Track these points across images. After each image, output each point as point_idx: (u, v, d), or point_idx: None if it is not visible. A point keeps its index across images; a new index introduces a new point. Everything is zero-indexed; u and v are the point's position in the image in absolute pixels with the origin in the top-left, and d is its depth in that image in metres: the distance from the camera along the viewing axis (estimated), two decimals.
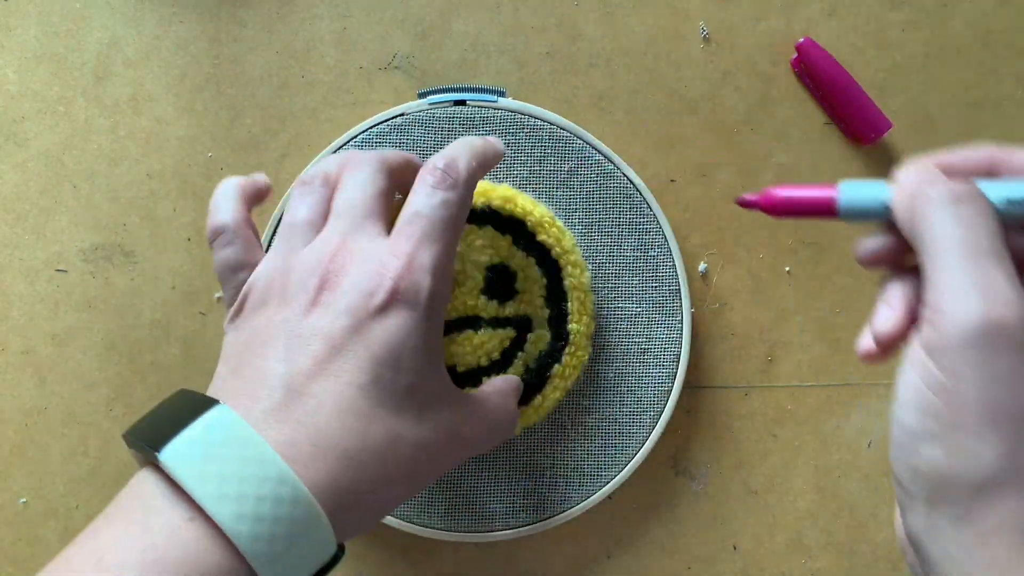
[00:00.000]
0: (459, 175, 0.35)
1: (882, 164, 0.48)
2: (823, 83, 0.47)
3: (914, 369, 0.28)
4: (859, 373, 0.48)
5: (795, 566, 0.47)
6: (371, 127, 0.45)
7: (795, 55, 0.47)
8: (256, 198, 0.38)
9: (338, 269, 0.32)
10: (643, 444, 0.45)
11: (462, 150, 0.36)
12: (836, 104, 0.47)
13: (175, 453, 0.28)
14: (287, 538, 0.28)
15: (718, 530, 0.47)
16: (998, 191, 0.29)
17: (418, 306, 0.32)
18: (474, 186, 0.36)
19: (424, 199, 0.34)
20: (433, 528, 0.44)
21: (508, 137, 0.45)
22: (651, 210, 0.45)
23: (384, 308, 0.31)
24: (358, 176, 0.35)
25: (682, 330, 0.45)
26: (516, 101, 0.45)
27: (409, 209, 0.34)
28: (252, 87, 0.47)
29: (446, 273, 0.34)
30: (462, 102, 0.45)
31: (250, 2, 0.47)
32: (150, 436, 0.29)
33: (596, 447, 0.45)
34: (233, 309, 0.34)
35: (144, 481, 0.29)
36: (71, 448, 0.47)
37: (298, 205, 0.35)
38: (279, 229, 0.36)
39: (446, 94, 0.45)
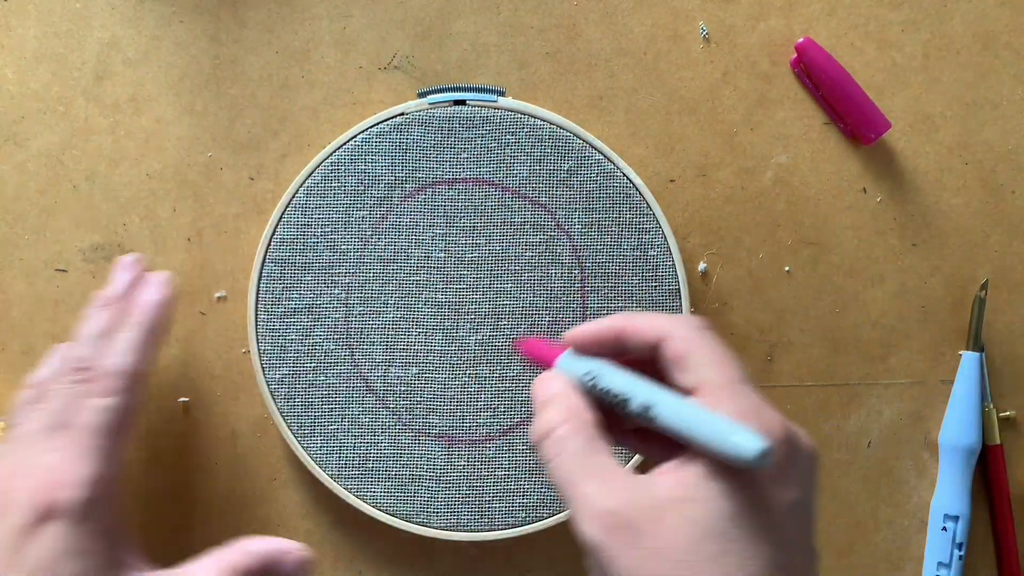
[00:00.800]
0: (122, 380, 0.38)
1: (882, 164, 0.48)
2: (823, 83, 0.47)
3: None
4: (859, 373, 0.48)
5: None
6: (371, 126, 0.45)
7: (795, 55, 0.47)
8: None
9: (9, 487, 0.36)
10: None
11: (124, 346, 0.39)
12: (836, 104, 0.47)
13: None
14: None
15: None
16: (585, 367, 0.34)
17: (70, 515, 0.35)
18: (143, 376, 0.39)
19: (86, 410, 0.37)
20: (432, 527, 0.44)
21: (508, 136, 0.45)
22: (650, 209, 0.45)
23: (36, 524, 0.34)
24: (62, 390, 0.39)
25: None
26: (516, 100, 0.45)
27: (77, 419, 0.37)
28: (252, 87, 0.47)
29: (109, 470, 0.37)
30: (462, 102, 0.45)
31: (250, 2, 0.47)
32: None
33: None
34: None
35: None
36: None
37: (26, 421, 0.39)
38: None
39: (446, 93, 0.45)
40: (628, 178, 0.45)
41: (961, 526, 0.46)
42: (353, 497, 0.45)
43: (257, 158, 0.47)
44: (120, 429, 0.38)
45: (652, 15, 0.47)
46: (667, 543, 0.30)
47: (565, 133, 0.45)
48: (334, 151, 0.45)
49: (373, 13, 0.47)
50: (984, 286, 0.47)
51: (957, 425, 0.47)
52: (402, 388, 0.45)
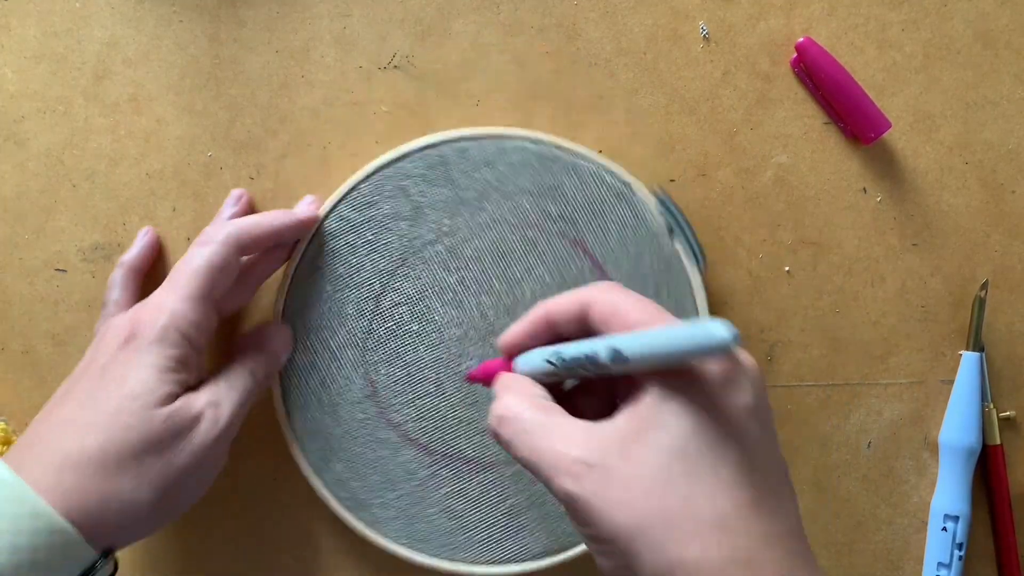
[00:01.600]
0: (218, 237, 0.41)
1: (882, 164, 0.48)
2: (823, 83, 0.47)
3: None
4: (859, 373, 0.48)
5: None
6: (336, 205, 0.45)
7: (795, 55, 0.47)
8: (147, 263, 0.47)
9: (126, 318, 0.40)
10: None
11: (235, 221, 0.42)
12: (836, 104, 0.47)
13: None
14: (46, 559, 0.35)
15: None
16: (539, 356, 0.35)
17: (149, 337, 0.39)
18: (237, 247, 0.42)
19: (184, 257, 0.41)
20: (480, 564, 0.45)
21: (544, 178, 0.45)
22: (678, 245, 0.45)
23: (126, 341, 0.39)
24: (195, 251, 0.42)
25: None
26: (552, 137, 0.45)
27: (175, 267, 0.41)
28: (252, 87, 0.47)
29: (190, 309, 0.40)
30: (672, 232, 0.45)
31: (250, 2, 0.47)
32: None
33: None
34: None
35: None
36: None
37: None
38: None
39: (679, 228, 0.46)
40: (656, 223, 0.45)
41: (961, 526, 0.46)
42: (366, 528, 0.45)
43: (257, 158, 0.47)
44: (206, 277, 0.41)
45: (652, 15, 0.47)
46: (637, 473, 0.30)
47: (591, 165, 0.45)
48: (337, 203, 0.45)
49: (373, 13, 0.47)
50: (984, 286, 0.47)
51: (957, 425, 0.47)
52: (426, 421, 0.45)
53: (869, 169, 0.48)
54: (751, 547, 0.30)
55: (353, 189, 0.45)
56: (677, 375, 0.32)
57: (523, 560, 0.45)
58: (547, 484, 0.32)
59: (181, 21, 0.47)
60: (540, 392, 0.35)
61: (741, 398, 0.32)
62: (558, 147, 0.45)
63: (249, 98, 0.47)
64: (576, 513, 0.31)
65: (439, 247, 0.45)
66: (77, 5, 0.47)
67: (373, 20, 0.47)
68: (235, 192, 0.47)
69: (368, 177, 0.45)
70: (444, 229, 0.45)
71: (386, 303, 0.45)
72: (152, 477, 0.38)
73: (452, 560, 0.45)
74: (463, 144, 0.45)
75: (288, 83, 0.47)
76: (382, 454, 0.45)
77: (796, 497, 0.33)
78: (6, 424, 0.47)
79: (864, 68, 0.48)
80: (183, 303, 0.40)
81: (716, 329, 0.28)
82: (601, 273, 0.45)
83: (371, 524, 0.45)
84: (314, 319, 0.45)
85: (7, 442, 0.46)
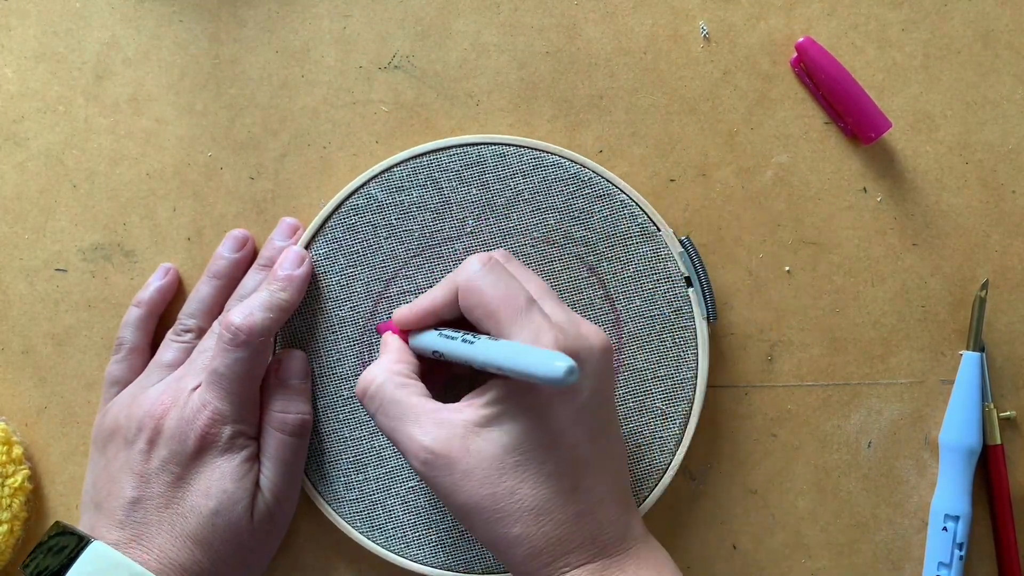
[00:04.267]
0: (250, 336, 0.42)
1: (882, 164, 0.48)
2: (823, 83, 0.47)
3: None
4: (859, 373, 0.48)
5: (795, 566, 0.47)
6: (336, 207, 0.45)
7: (795, 55, 0.47)
8: (164, 304, 0.47)
9: (164, 416, 0.42)
10: (669, 464, 0.45)
11: (256, 304, 0.43)
12: (836, 104, 0.47)
13: None
14: None
15: (718, 530, 0.47)
16: (425, 340, 0.40)
17: (218, 448, 0.41)
18: (270, 335, 0.43)
19: (220, 359, 0.42)
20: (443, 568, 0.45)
21: (520, 180, 0.45)
22: (660, 233, 0.45)
23: (196, 455, 0.41)
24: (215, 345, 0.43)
25: (696, 334, 0.45)
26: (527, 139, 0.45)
27: (211, 365, 0.42)
28: (252, 87, 0.47)
29: (246, 412, 0.42)
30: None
31: (250, 2, 0.47)
32: (47, 573, 0.39)
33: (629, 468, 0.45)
34: (98, 419, 0.44)
35: None
36: (71, 448, 0.47)
37: (165, 351, 0.45)
38: (148, 365, 0.45)
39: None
40: (649, 224, 0.45)
41: (961, 526, 0.46)
42: (398, 557, 0.45)
43: (257, 158, 0.47)
44: (250, 378, 0.42)
45: (652, 15, 0.47)
46: (474, 464, 0.36)
47: (581, 170, 0.45)
48: (330, 215, 0.45)
49: (373, 13, 0.47)
50: (984, 286, 0.47)
51: (957, 425, 0.47)
52: None
53: (869, 169, 0.48)
54: (564, 524, 0.36)
55: (387, 170, 0.45)
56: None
57: (467, 571, 0.44)
58: (404, 456, 0.38)
59: (181, 21, 0.47)
60: (408, 364, 0.40)
61: (572, 403, 0.37)
62: (596, 173, 0.45)
63: (249, 98, 0.47)
64: (428, 486, 0.38)
65: (457, 245, 0.45)
66: (77, 5, 0.47)
67: (373, 20, 0.47)
68: (162, 266, 0.47)
69: (404, 162, 0.45)
70: (467, 229, 0.45)
71: (394, 289, 0.45)
72: (254, 568, 0.43)
73: (400, 555, 0.44)
74: (502, 149, 0.45)
75: (288, 83, 0.47)
76: (359, 435, 0.45)
77: (623, 460, 0.39)
78: (6, 424, 0.47)
79: (864, 68, 0.48)
80: (238, 409, 0.42)
81: (557, 366, 0.33)
82: (611, 306, 0.45)
83: (332, 501, 0.45)
84: (320, 289, 0.45)
85: (7, 442, 0.46)
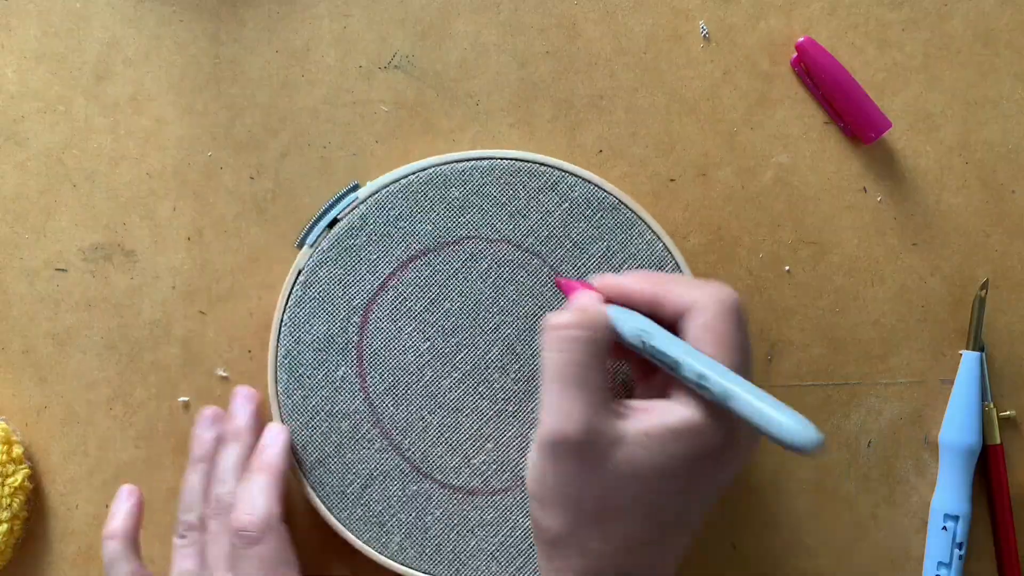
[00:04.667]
0: (259, 528, 0.41)
1: (882, 164, 0.48)
2: (823, 83, 0.47)
3: (533, 456, 0.37)
4: (859, 373, 0.48)
5: (795, 566, 0.47)
6: (324, 228, 0.45)
7: (795, 55, 0.47)
8: (138, 527, 0.44)
9: None
10: None
11: (253, 493, 0.42)
12: (836, 104, 0.47)
13: None
14: None
15: (718, 530, 0.47)
16: (635, 323, 0.37)
17: None
18: (278, 519, 0.41)
19: (243, 563, 0.41)
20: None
21: (486, 191, 0.45)
22: (655, 234, 0.45)
23: None
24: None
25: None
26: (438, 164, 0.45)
27: (237, 573, 0.41)
28: (252, 87, 0.47)
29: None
30: (335, 221, 0.45)
31: (250, 2, 0.47)
32: None
33: None
34: None
35: None
36: (71, 448, 0.47)
37: (182, 560, 0.43)
38: None
39: (316, 226, 0.45)
40: (607, 191, 0.45)
41: (961, 526, 0.46)
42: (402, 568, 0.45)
43: (257, 158, 0.47)
44: (281, 567, 0.41)
45: (652, 15, 0.47)
46: (607, 469, 0.34)
47: (527, 165, 0.45)
48: (310, 257, 0.45)
49: (373, 13, 0.47)
50: (984, 286, 0.47)
51: (957, 425, 0.47)
52: (428, 449, 0.45)
53: (869, 169, 0.48)
54: (639, 565, 0.35)
55: (435, 165, 0.45)
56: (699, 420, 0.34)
57: None
58: (544, 415, 0.35)
59: (181, 21, 0.47)
60: (605, 340, 0.36)
61: (726, 471, 0.36)
62: (597, 186, 0.45)
63: (249, 98, 0.47)
64: (540, 455, 0.36)
65: (467, 246, 0.45)
66: (77, 5, 0.47)
67: (373, 20, 0.47)
68: (123, 489, 0.44)
69: (454, 162, 0.45)
70: (479, 233, 0.45)
71: (384, 298, 0.45)
72: None
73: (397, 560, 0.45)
74: (515, 164, 0.45)
75: (288, 83, 0.47)
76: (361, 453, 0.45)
77: (693, 536, 0.37)
78: (6, 424, 0.47)
79: (864, 68, 0.48)
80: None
81: (813, 434, 0.31)
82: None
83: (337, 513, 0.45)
84: (313, 302, 0.45)
85: (7, 442, 0.46)
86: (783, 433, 0.32)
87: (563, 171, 0.45)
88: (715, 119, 0.47)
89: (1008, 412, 0.48)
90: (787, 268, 0.48)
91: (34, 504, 0.47)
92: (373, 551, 0.45)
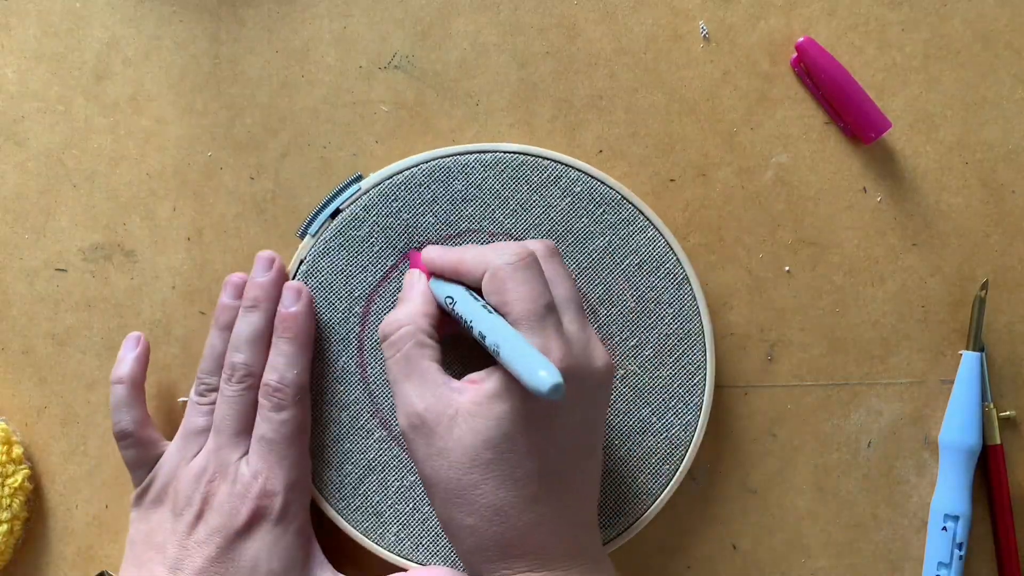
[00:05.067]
0: (289, 394, 0.42)
1: (882, 164, 0.48)
2: (823, 83, 0.47)
3: None
4: (859, 373, 0.48)
5: (795, 566, 0.47)
6: (329, 215, 0.45)
7: (795, 55, 0.47)
8: (144, 373, 0.45)
9: (214, 489, 0.42)
10: (688, 448, 0.45)
11: (281, 360, 0.43)
12: (836, 104, 0.47)
13: None
14: None
15: (718, 530, 0.47)
16: (444, 290, 0.40)
17: (271, 519, 0.41)
18: (306, 386, 0.43)
19: (266, 425, 0.42)
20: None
21: (497, 182, 0.45)
22: (648, 219, 0.45)
23: (247, 527, 0.41)
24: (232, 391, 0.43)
25: (699, 315, 0.45)
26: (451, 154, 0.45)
27: (257, 432, 0.42)
28: (252, 87, 0.47)
29: (299, 476, 0.43)
30: (337, 211, 0.45)
31: (250, 2, 0.47)
32: None
33: (637, 461, 0.45)
34: (137, 492, 0.44)
35: None
36: (71, 448, 0.47)
37: (194, 415, 0.44)
38: (180, 429, 0.44)
39: (318, 216, 0.45)
40: (610, 186, 0.45)
41: (961, 526, 0.46)
42: (378, 547, 0.45)
43: (257, 158, 0.47)
44: (300, 437, 0.43)
45: (652, 15, 0.47)
46: (451, 446, 0.37)
47: (530, 158, 0.45)
48: (299, 267, 0.45)
49: (373, 13, 0.47)
50: (984, 286, 0.47)
51: (957, 425, 0.47)
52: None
53: (869, 169, 0.48)
54: (515, 529, 0.37)
55: (438, 158, 0.45)
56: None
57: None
58: (396, 410, 0.39)
59: (181, 21, 0.47)
60: (431, 316, 0.40)
61: (560, 418, 0.37)
62: (590, 175, 0.45)
63: (249, 98, 0.47)
64: (406, 446, 0.40)
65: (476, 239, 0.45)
66: (77, 5, 0.47)
67: (373, 20, 0.47)
68: (131, 336, 0.46)
69: (457, 155, 0.45)
70: (483, 226, 0.45)
71: (387, 290, 0.45)
72: None
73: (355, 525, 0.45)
74: (517, 158, 0.45)
75: (288, 83, 0.47)
76: (365, 443, 0.45)
77: (595, 484, 0.39)
78: (6, 424, 0.47)
79: (864, 68, 0.48)
80: (291, 473, 0.42)
81: (542, 377, 0.33)
82: (614, 313, 0.45)
83: (337, 504, 0.45)
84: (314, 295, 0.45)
85: (7, 442, 0.46)
86: (526, 381, 0.34)
87: (565, 165, 0.45)
88: (715, 119, 0.47)
89: (1008, 412, 0.48)
90: (787, 268, 0.48)
91: (34, 504, 0.47)
92: (370, 542, 0.45)
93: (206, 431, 0.44)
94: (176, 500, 0.42)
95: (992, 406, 0.47)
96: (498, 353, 0.36)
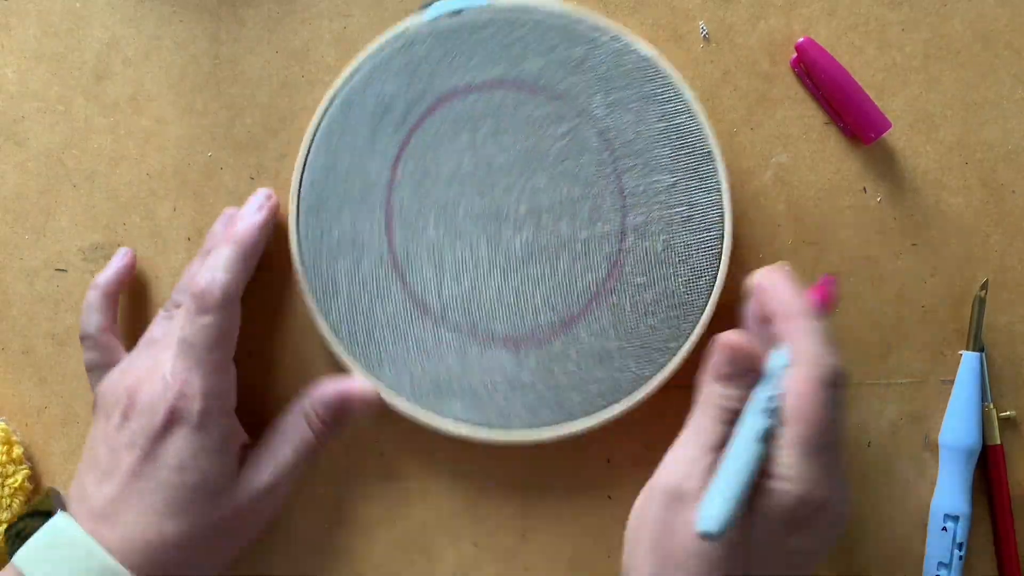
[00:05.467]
0: (215, 298, 0.41)
1: (882, 164, 0.48)
2: (823, 83, 0.47)
3: (641, 499, 0.41)
4: (859, 373, 0.48)
5: None
6: (375, 52, 0.45)
7: (795, 55, 0.47)
8: (123, 285, 0.46)
9: (137, 390, 0.41)
10: (704, 307, 0.45)
11: (217, 264, 0.42)
12: (836, 104, 0.47)
13: (25, 557, 0.39)
14: None
15: None
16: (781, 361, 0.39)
17: (190, 423, 0.40)
18: (236, 294, 0.42)
19: (189, 327, 0.41)
20: (513, 430, 0.44)
21: (511, 36, 0.45)
22: (670, 80, 0.45)
23: (164, 427, 0.40)
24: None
25: (721, 191, 0.45)
26: (512, 1, 0.45)
27: (179, 335, 0.41)
28: (252, 87, 0.47)
29: (218, 382, 0.41)
30: (458, 11, 0.45)
31: (250, 2, 0.47)
32: (13, 542, 0.40)
33: (659, 321, 0.45)
34: (94, 402, 0.43)
35: (10, 571, 0.39)
36: (71, 448, 0.47)
37: (154, 327, 0.44)
38: (139, 342, 0.44)
39: (442, 4, 0.45)
40: (640, 54, 0.45)
41: (961, 526, 0.46)
42: (434, 415, 0.45)
43: (257, 158, 0.47)
44: (221, 344, 0.41)
45: (652, 15, 0.47)
46: (681, 524, 0.37)
47: (568, 21, 0.45)
48: (342, 87, 0.45)
49: (373, 13, 0.47)
50: (984, 286, 0.47)
51: (957, 425, 0.47)
52: (458, 304, 0.45)
53: (869, 169, 0.48)
54: None
55: (340, 92, 0.45)
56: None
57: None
58: (660, 469, 0.40)
59: (181, 21, 0.47)
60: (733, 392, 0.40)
61: (798, 542, 0.37)
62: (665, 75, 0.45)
63: (249, 98, 0.47)
64: (646, 495, 0.40)
65: (433, 122, 0.45)
66: (77, 5, 0.47)
67: (373, 20, 0.47)
68: (121, 249, 0.46)
69: (353, 75, 0.45)
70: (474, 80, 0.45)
71: (397, 201, 0.45)
72: (222, 554, 0.42)
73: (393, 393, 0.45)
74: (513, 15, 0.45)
75: (288, 83, 0.47)
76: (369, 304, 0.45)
77: None
78: (6, 424, 0.47)
79: (864, 68, 0.48)
80: (209, 379, 0.41)
81: (705, 519, 0.35)
82: (616, 175, 0.45)
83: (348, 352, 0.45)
84: (332, 239, 0.45)
85: (7, 442, 0.46)
86: (704, 502, 0.36)
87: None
88: (715, 119, 0.47)
89: (1008, 412, 0.48)
90: (787, 268, 0.48)
91: None
92: (361, 368, 0.45)
93: (158, 343, 0.43)
94: (107, 402, 0.42)
95: (992, 406, 0.47)
96: (728, 454, 0.37)
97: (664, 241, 0.45)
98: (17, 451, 0.46)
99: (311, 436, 0.44)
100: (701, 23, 0.48)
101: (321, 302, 0.45)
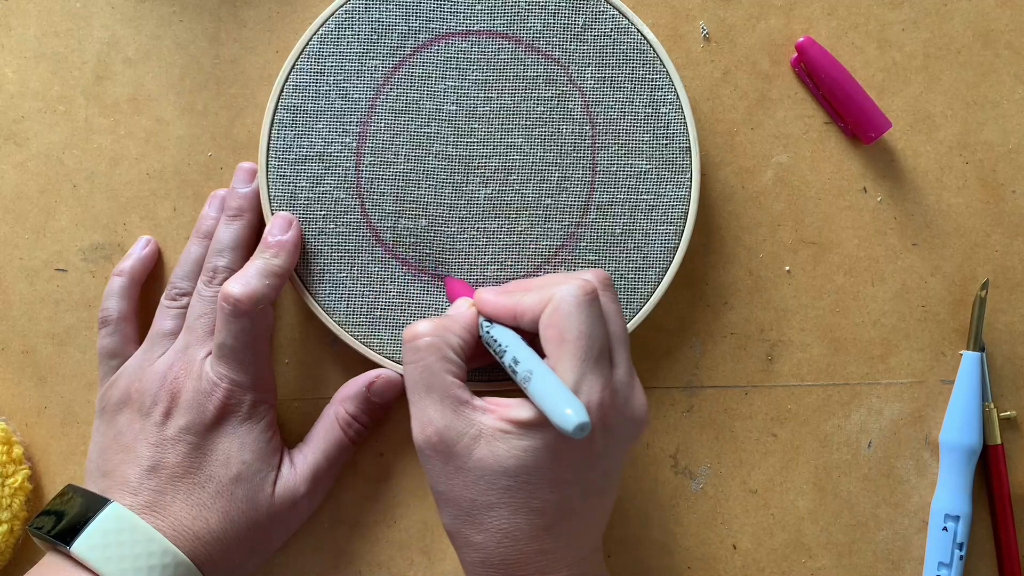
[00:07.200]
0: (250, 303, 0.41)
1: (882, 164, 0.48)
2: (823, 83, 0.47)
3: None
4: (859, 373, 0.48)
5: (795, 566, 0.47)
6: None
7: (795, 54, 0.47)
8: (147, 273, 0.47)
9: (179, 386, 0.42)
10: (647, 300, 0.45)
11: (255, 272, 0.42)
12: (836, 104, 0.47)
13: (84, 545, 0.39)
14: None
15: (718, 530, 0.47)
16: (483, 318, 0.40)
17: (239, 416, 0.42)
18: (267, 300, 0.42)
19: (224, 331, 0.42)
20: None
21: None
22: (664, 67, 0.45)
23: (215, 423, 0.42)
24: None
25: (690, 192, 0.45)
26: None
27: (217, 339, 0.42)
28: (252, 87, 0.47)
29: (261, 376, 0.43)
30: None
31: (250, 2, 0.47)
32: (60, 533, 0.40)
33: None
34: (100, 395, 0.44)
35: (56, 565, 0.40)
36: (71, 448, 0.47)
37: (163, 318, 0.45)
38: (148, 333, 0.45)
39: None
40: (642, 34, 0.45)
41: (961, 526, 0.46)
42: (359, 344, 0.45)
43: (257, 158, 0.47)
44: (259, 345, 0.43)
45: (652, 15, 0.47)
46: (469, 467, 0.37)
47: None
48: (344, 2, 0.45)
49: None
50: (984, 286, 0.47)
51: (957, 425, 0.47)
52: (411, 239, 0.45)
53: (869, 169, 0.48)
54: (524, 553, 0.37)
55: (345, 3, 0.45)
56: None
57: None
58: (412, 423, 0.38)
59: (181, 21, 0.47)
60: (466, 341, 0.39)
61: (586, 458, 0.37)
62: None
63: (249, 98, 0.47)
64: (419, 459, 0.39)
65: (425, 57, 0.45)
66: (77, 5, 0.47)
67: None
68: (143, 237, 0.47)
69: None
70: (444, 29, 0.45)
71: (372, 127, 0.45)
72: (258, 555, 0.43)
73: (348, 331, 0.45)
74: None
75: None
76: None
77: (605, 517, 0.40)
78: (6, 424, 0.47)
79: (864, 68, 0.48)
80: (253, 378, 0.42)
81: (568, 416, 0.33)
82: (591, 120, 0.45)
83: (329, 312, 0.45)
84: (301, 148, 0.45)
85: (7, 442, 0.46)
86: (552, 416, 0.34)
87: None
88: (715, 119, 0.47)
89: (1008, 412, 0.48)
90: (787, 268, 0.48)
91: (34, 504, 0.47)
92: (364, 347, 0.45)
93: (173, 334, 0.44)
94: (142, 400, 0.42)
95: (992, 406, 0.47)
96: (528, 382, 0.36)
97: (624, 225, 0.45)
98: (17, 451, 0.46)
99: (343, 436, 0.44)
100: (701, 23, 0.48)
101: (277, 205, 0.45)
